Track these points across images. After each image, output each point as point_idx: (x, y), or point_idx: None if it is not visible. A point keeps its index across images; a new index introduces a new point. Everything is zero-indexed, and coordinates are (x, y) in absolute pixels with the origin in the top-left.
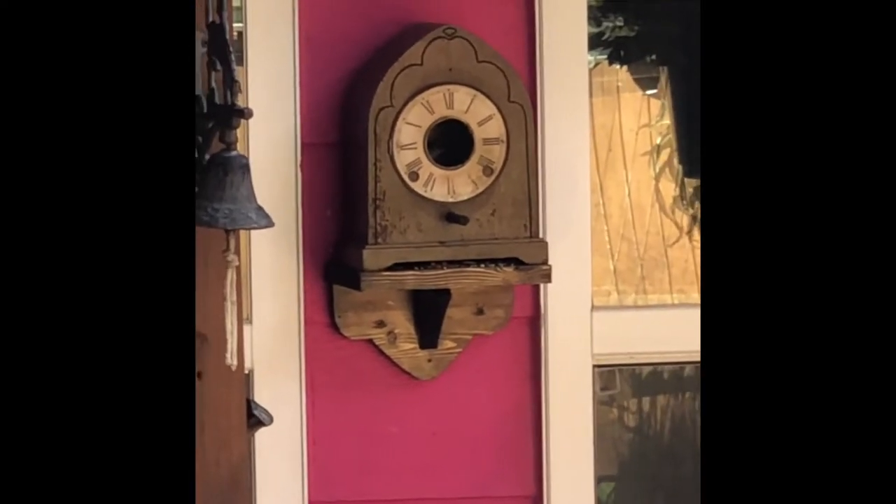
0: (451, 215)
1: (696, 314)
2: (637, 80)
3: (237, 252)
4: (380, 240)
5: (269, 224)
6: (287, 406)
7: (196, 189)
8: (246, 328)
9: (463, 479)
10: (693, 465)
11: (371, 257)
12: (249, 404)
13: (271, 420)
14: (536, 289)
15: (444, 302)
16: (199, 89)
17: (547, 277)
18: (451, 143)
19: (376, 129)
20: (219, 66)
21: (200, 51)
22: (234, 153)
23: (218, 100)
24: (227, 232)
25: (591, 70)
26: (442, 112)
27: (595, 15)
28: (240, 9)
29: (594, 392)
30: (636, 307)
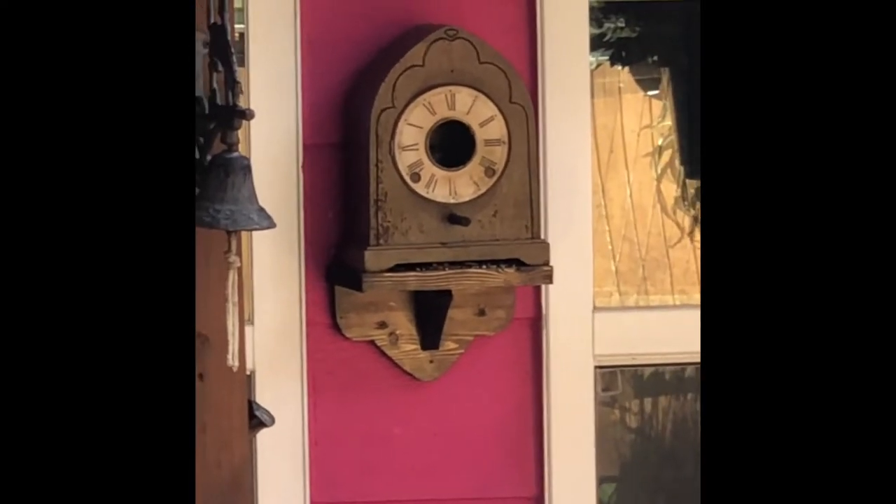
0: (452, 216)
1: (697, 315)
2: (638, 81)
3: (239, 253)
4: (381, 241)
5: (271, 225)
6: (288, 407)
7: (198, 190)
8: (247, 329)
9: (464, 480)
10: (694, 466)
11: (373, 258)
12: (251, 405)
13: (273, 421)
14: (538, 290)
15: (445, 303)
16: (201, 90)
17: (548, 278)
18: (452, 145)
19: (378, 131)
20: (220, 68)
21: (202, 52)
22: (235, 154)
23: (219, 101)
24: (229, 233)
25: (592, 71)
26: (443, 113)
27: (596, 16)
28: (241, 10)
29: (596, 393)
30: (638, 308)
